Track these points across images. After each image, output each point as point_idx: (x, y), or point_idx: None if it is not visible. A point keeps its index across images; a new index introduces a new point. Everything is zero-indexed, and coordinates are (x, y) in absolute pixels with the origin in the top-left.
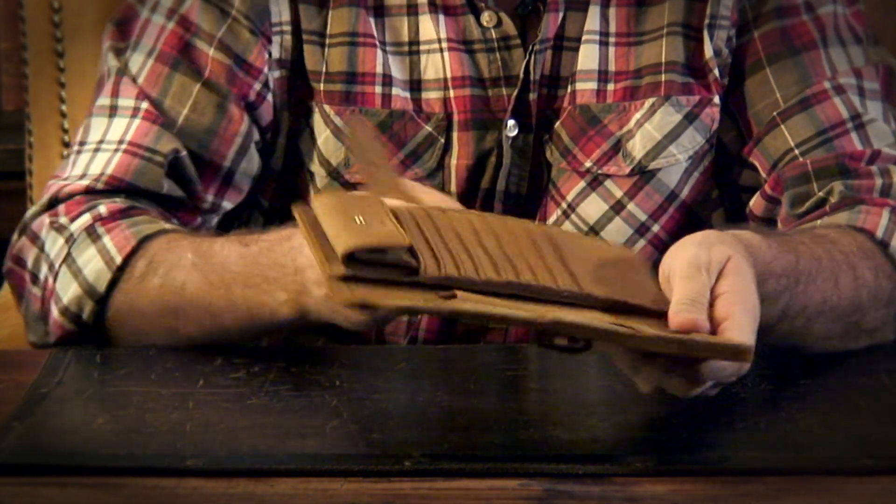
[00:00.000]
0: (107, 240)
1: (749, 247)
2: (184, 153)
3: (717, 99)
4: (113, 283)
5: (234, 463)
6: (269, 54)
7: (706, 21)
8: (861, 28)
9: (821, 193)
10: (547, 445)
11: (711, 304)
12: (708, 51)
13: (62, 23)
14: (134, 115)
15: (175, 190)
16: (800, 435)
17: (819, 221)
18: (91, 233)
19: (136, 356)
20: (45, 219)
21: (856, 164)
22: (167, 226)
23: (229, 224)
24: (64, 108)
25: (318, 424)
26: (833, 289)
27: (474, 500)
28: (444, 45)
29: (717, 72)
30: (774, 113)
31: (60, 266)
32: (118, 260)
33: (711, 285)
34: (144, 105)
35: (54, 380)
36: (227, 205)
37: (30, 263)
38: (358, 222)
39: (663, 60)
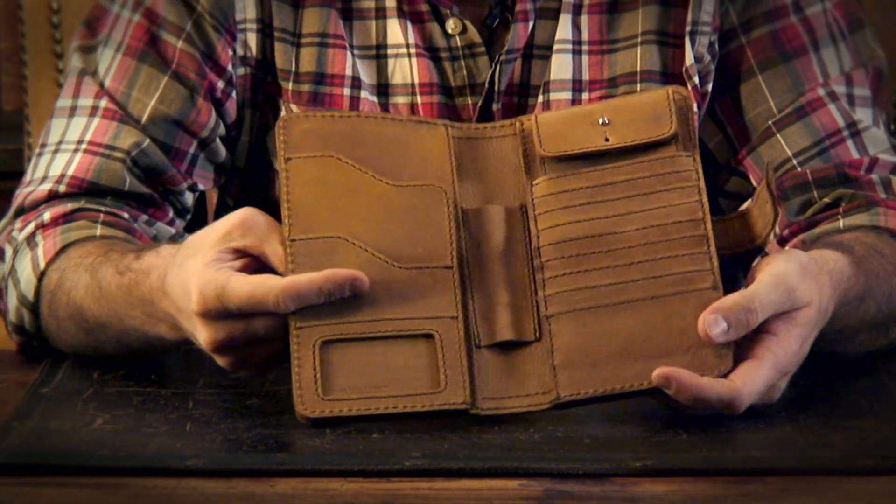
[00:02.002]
0: (40, 247)
1: (839, 283)
2: (146, 143)
3: (695, 107)
4: (38, 293)
5: (234, 463)
6: (234, 52)
7: (688, 28)
8: (847, 18)
9: (827, 199)
10: (547, 445)
11: (759, 328)
12: (689, 58)
13: (61, 23)
14: (93, 114)
15: (138, 187)
16: (800, 435)
17: (841, 223)
18: (30, 241)
19: None
20: (5, 231)
21: (856, 173)
22: (98, 231)
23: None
24: None
25: None
26: (886, 302)
27: (474, 500)
28: (413, 50)
29: (696, 79)
30: (770, 122)
31: (7, 278)
32: (42, 266)
33: (776, 311)
34: (103, 103)
35: (54, 380)
36: (194, 193)
37: None
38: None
39: (638, 69)
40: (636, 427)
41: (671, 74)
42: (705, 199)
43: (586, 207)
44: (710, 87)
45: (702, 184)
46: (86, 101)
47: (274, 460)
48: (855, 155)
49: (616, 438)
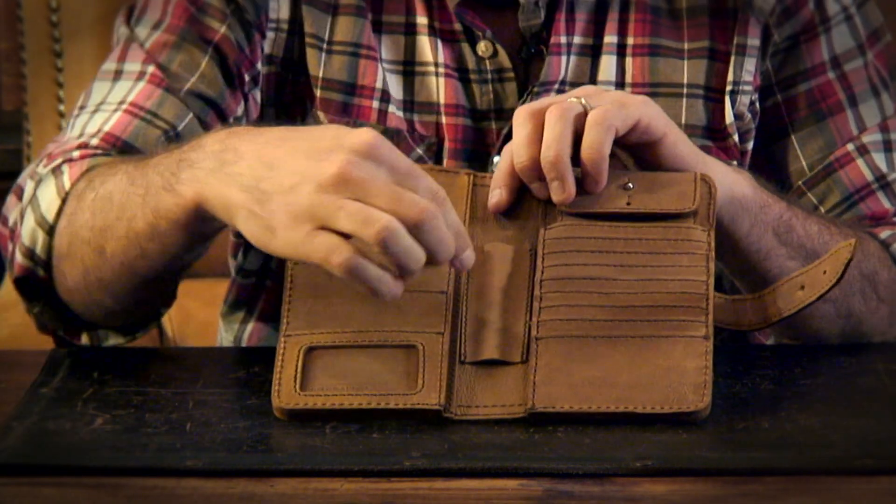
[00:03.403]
0: (66, 174)
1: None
2: (189, 117)
3: (735, 164)
4: (60, 212)
5: (234, 463)
6: (262, 49)
7: (728, 87)
8: (889, 65)
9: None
10: (547, 445)
11: None
12: (728, 116)
13: (60, 23)
14: (139, 79)
15: None
16: (800, 435)
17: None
18: (55, 171)
19: (135, 356)
20: (29, 171)
21: (881, 222)
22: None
23: None
24: (62, 107)
25: (318, 424)
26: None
27: (474, 500)
28: (441, 70)
29: (736, 137)
30: (800, 182)
31: (27, 207)
32: (67, 186)
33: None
34: (150, 69)
35: (54, 380)
36: None
37: (11, 219)
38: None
39: (683, 123)
40: (636, 427)
41: (715, 130)
42: (712, 268)
43: (595, 254)
44: (750, 144)
45: (712, 255)
46: (133, 66)
47: (274, 460)
48: (885, 205)
49: (616, 438)
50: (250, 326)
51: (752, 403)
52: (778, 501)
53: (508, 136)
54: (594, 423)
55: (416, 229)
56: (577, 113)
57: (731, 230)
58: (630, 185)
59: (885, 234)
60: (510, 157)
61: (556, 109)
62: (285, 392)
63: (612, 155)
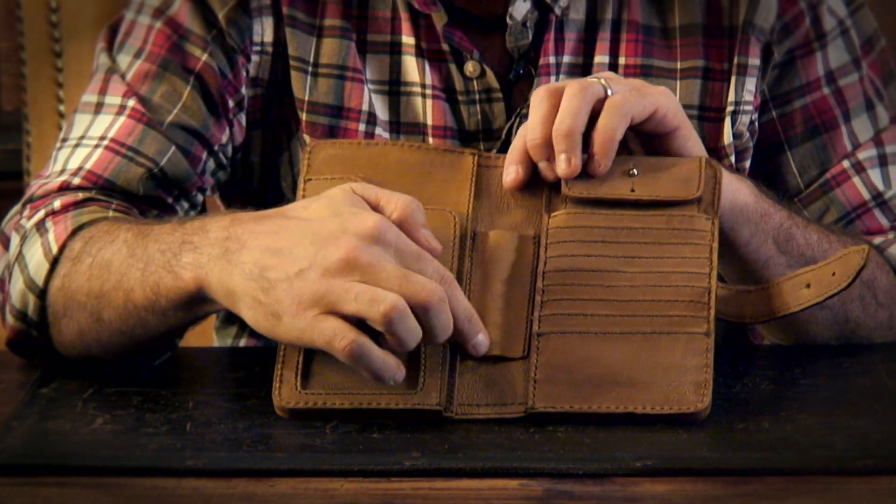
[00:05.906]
0: (51, 233)
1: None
2: (171, 151)
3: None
4: (51, 275)
5: (234, 463)
6: (247, 73)
7: (730, 108)
8: (883, 73)
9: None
10: (547, 445)
11: None
12: (727, 137)
13: (60, 23)
14: (119, 113)
15: (151, 192)
16: (800, 435)
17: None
18: (40, 227)
19: None
20: (13, 220)
21: (877, 237)
22: (110, 214)
23: None
24: (62, 108)
25: (318, 424)
26: (808, 244)
27: (474, 500)
28: (429, 91)
29: (732, 158)
30: (795, 199)
31: (14, 264)
32: (55, 250)
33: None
34: (131, 103)
35: (54, 380)
36: (203, 193)
37: (0, 267)
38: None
39: None
40: (636, 427)
41: (709, 150)
42: (715, 259)
43: (598, 244)
44: (747, 163)
45: (715, 245)
46: (113, 100)
47: (274, 460)
48: (882, 222)
49: (616, 438)
50: (243, 342)
51: (752, 403)
52: (778, 501)
53: (503, 149)
54: (594, 423)
55: (423, 311)
56: (596, 92)
57: (731, 238)
58: (634, 171)
59: (878, 240)
60: (525, 135)
61: (577, 84)
62: (286, 390)
63: (623, 142)
